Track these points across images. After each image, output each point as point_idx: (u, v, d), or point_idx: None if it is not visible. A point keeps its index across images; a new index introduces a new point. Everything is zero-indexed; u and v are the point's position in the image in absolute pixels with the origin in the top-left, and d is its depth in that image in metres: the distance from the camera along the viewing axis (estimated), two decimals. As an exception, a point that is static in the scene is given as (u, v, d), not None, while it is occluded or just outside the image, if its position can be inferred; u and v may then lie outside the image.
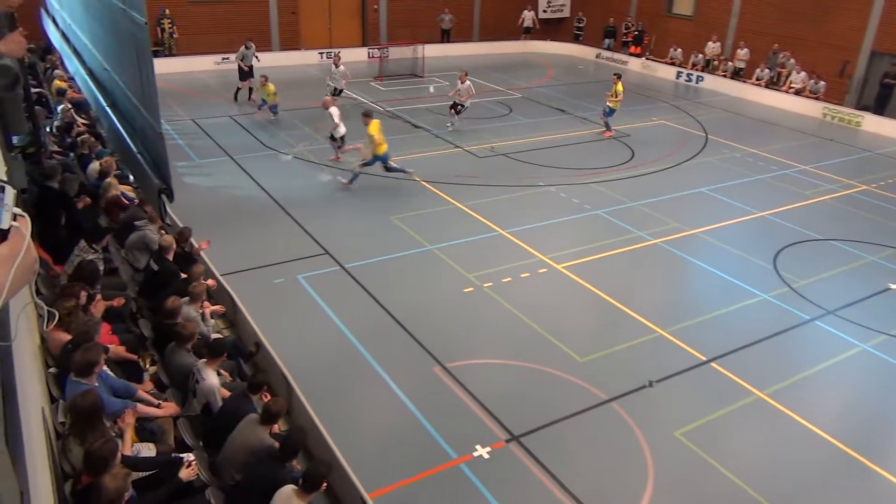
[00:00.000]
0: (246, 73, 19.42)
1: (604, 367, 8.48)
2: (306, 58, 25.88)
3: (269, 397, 6.40)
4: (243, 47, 19.34)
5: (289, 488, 5.07)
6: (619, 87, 17.62)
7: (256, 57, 19.63)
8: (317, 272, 10.33)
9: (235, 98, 19.79)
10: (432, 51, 25.88)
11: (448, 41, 27.91)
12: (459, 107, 17.67)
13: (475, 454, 6.93)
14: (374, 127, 13.19)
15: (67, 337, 6.04)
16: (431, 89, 16.79)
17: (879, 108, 21.07)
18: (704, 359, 8.73)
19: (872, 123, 20.55)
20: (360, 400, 7.78)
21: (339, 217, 12.39)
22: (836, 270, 11.35)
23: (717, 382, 8.31)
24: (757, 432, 7.59)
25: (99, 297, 6.90)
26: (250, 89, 19.56)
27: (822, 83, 22.15)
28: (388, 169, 13.70)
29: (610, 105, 17.85)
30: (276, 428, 5.89)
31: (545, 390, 8.04)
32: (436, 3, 28.31)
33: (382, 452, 6.99)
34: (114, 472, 4.38)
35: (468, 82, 17.44)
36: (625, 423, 7.52)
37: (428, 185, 13.95)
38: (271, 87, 17.37)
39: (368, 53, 26.28)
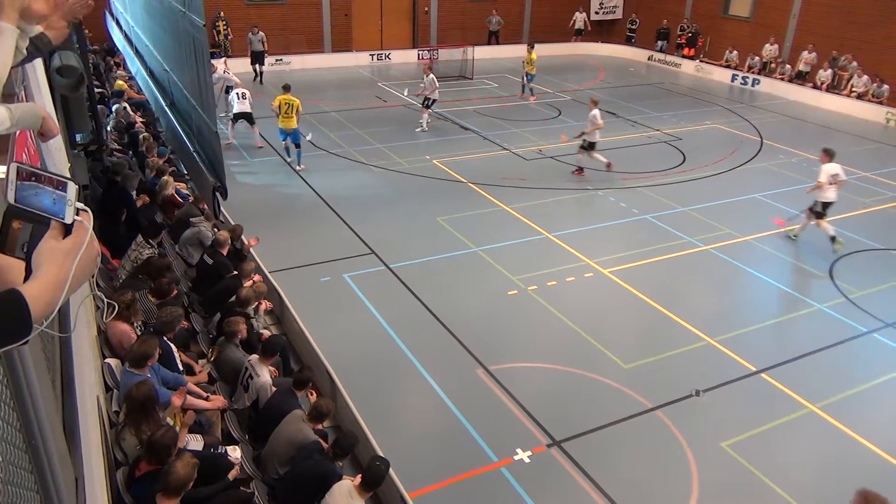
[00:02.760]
0: (255, 58, 21.88)
1: (649, 374, 8.35)
2: (358, 59, 26.20)
3: (314, 394, 6.53)
4: (250, 33, 21.86)
5: (348, 483, 5.14)
6: (533, 56, 20.47)
7: (263, 42, 22.07)
8: (362, 271, 10.46)
9: (259, 80, 21.67)
10: (482, 53, 25.89)
11: (497, 43, 27.84)
12: (428, 101, 17.46)
13: (516, 458, 6.91)
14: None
15: (128, 328, 6.29)
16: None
17: (948, 114, 20.13)
18: (755, 369, 8.50)
19: (940, 129, 19.66)
20: (402, 399, 7.84)
21: (385, 217, 12.50)
22: (897, 282, 10.90)
23: (768, 394, 8.08)
24: (808, 446, 7.36)
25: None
26: (260, 73, 21.86)
27: (886, 87, 21.29)
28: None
29: (528, 71, 20.58)
30: (319, 426, 5.99)
31: (588, 396, 7.96)
32: (486, 4, 28.29)
33: (423, 452, 7.03)
34: (184, 459, 4.53)
35: (432, 75, 17.33)
36: (669, 433, 7.38)
37: (475, 187, 13.96)
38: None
39: (419, 55, 26.45)
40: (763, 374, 8.42)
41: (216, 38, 23.89)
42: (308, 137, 15.93)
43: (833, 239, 11.64)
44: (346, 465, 5.93)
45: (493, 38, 28.03)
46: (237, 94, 15.72)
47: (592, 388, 8.09)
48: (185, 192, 11.13)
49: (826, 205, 11.83)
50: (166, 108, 10.79)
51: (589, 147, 14.69)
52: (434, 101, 17.66)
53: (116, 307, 6.17)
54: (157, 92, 12.54)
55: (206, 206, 9.31)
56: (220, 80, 17.02)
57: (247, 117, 15.67)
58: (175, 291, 7.21)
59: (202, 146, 8.35)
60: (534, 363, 8.54)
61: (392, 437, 7.02)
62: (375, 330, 9.02)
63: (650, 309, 9.82)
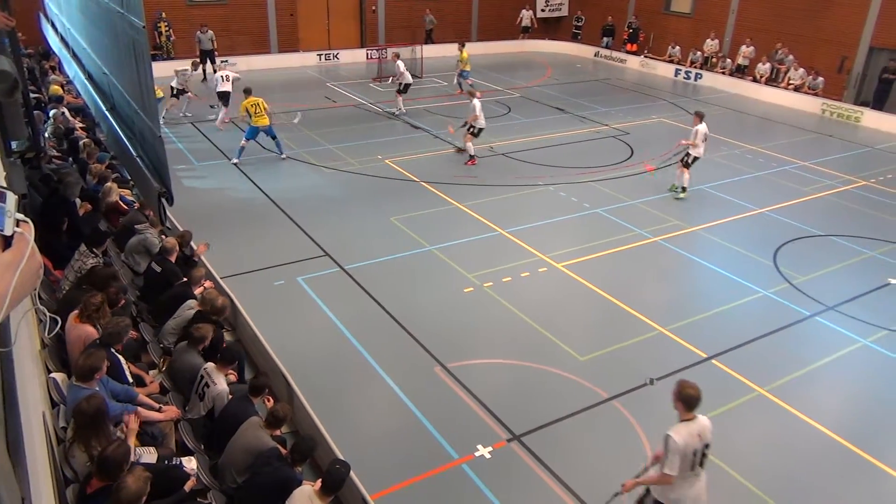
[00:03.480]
0: (204, 57, 21.93)
1: (605, 365, 8.49)
2: (305, 60, 25.90)
3: (271, 400, 6.43)
4: (199, 32, 21.96)
5: (308, 488, 5.07)
6: (464, 54, 20.94)
7: (213, 41, 22.26)
8: (316, 274, 10.35)
9: (204, 76, 21.72)
10: (431, 51, 25.90)
11: (432, 42, 27.53)
12: (401, 87, 18.96)
13: (477, 454, 6.94)
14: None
15: (93, 332, 6.11)
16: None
17: (878, 104, 21.04)
18: (705, 356, 8.73)
19: (872, 119, 20.55)
20: (361, 401, 7.79)
21: (338, 218, 12.40)
22: (836, 266, 11.35)
23: (719, 379, 8.31)
24: (759, 428, 7.59)
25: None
26: (204, 70, 21.73)
27: (821, 79, 22.14)
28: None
29: (463, 68, 21.12)
30: (277, 432, 5.90)
31: (546, 389, 8.05)
32: (431, 3, 28.32)
33: (384, 453, 7.00)
34: (136, 473, 4.39)
35: (399, 61, 19.08)
36: (626, 421, 7.53)
37: (427, 186, 13.96)
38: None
39: (367, 55, 26.31)
40: (714, 360, 8.65)
41: (158, 40, 23.30)
42: (296, 120, 16.39)
43: (683, 189, 13.87)
44: (307, 469, 5.86)
45: (429, 37, 27.82)
46: (222, 76, 17.56)
47: (550, 381, 8.18)
48: (130, 198, 10.82)
49: (695, 158, 13.82)
50: (107, 112, 10.47)
51: (477, 134, 15.51)
52: (408, 85, 19.11)
53: (85, 309, 6.10)
54: (96, 96, 12.16)
55: (151, 213, 9.06)
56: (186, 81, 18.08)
57: (226, 97, 17.28)
58: (123, 301, 7.00)
59: (145, 151, 8.13)
60: (491, 359, 8.59)
61: (352, 438, 6.97)
62: (332, 332, 8.94)
63: (603, 301, 9.98)
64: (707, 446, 5.34)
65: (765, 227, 12.80)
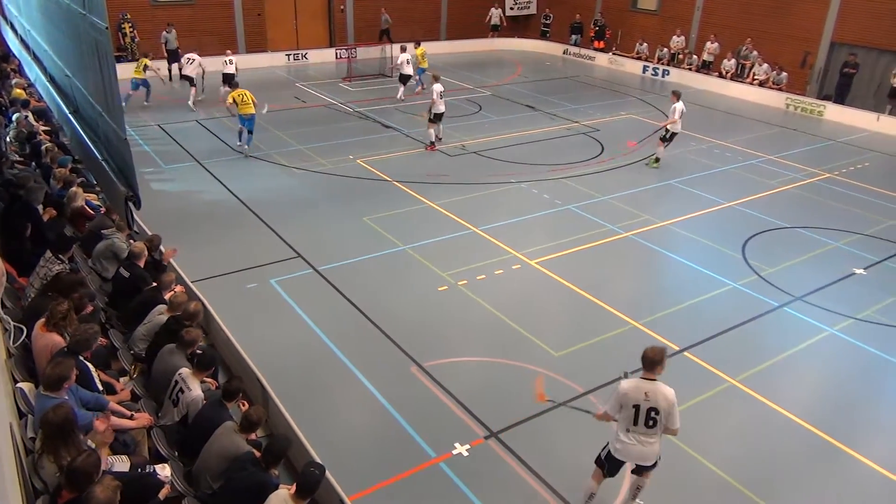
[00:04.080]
0: (171, 57, 21.67)
1: (579, 360, 8.56)
2: (274, 60, 25.66)
3: (245, 404, 6.35)
4: (165, 31, 21.82)
5: (284, 492, 5.02)
6: (420, 51, 21.36)
7: (175, 41, 21.90)
8: (290, 276, 10.26)
9: (170, 78, 21.71)
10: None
11: (389, 41, 26.77)
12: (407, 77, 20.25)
13: (454, 452, 6.95)
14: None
15: (60, 340, 5.97)
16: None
17: (840, 98, 21.54)
18: (678, 348, 8.85)
19: (834, 112, 21.01)
20: (337, 403, 7.75)
21: (310, 219, 12.31)
22: (803, 257, 11.58)
23: (691, 371, 8.43)
24: (730, 419, 7.72)
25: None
26: (170, 71, 21.64)
27: (785, 74, 22.58)
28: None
29: (421, 65, 21.55)
30: (253, 435, 5.84)
31: (522, 386, 8.07)
32: (400, 3, 28.26)
33: (361, 454, 6.97)
34: (104, 482, 4.31)
35: (403, 55, 20.28)
36: (602, 416, 7.58)
37: (400, 185, 13.93)
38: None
39: (336, 54, 26.14)
40: (686, 353, 8.77)
41: (122, 42, 22.88)
42: (264, 111, 16.39)
43: (657, 160, 15.59)
44: (284, 473, 5.82)
45: (385, 37, 27.39)
46: (187, 58, 19.15)
47: (526, 377, 8.22)
48: (97, 203, 10.62)
49: (674, 134, 15.37)
50: (70, 115, 10.28)
51: (436, 119, 16.09)
52: (409, 75, 20.44)
53: (52, 316, 5.98)
54: (59, 99, 11.92)
55: (118, 217, 8.90)
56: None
57: (189, 80, 19.02)
58: (90, 307, 6.86)
59: (111, 154, 7.99)
60: (467, 357, 8.61)
61: (328, 440, 6.93)
62: (306, 334, 8.87)
63: (577, 296, 10.06)
64: (654, 410, 5.57)
65: (733, 220, 13.02)
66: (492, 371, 8.37)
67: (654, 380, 5.66)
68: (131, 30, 23.15)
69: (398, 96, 20.80)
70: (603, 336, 9.09)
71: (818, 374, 8.74)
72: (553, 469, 6.79)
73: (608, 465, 5.99)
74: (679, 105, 15.03)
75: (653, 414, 5.60)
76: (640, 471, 6.07)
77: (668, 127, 15.24)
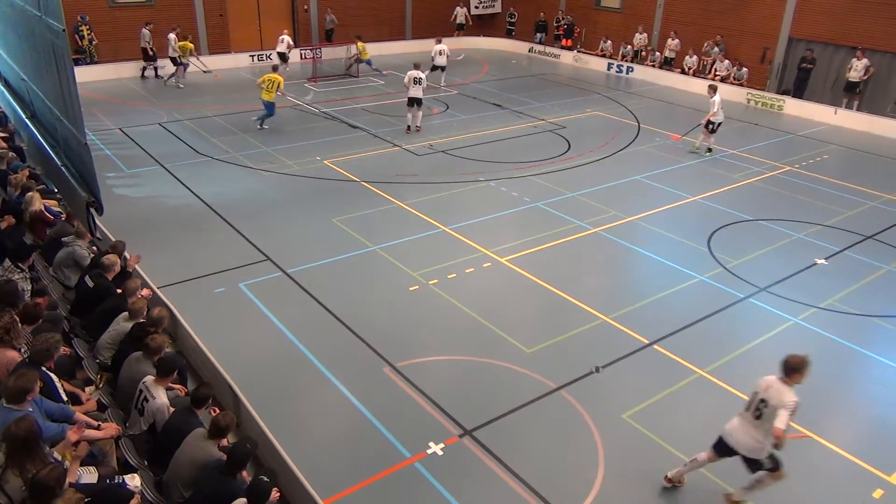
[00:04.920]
0: (149, 57, 22.38)
1: (551, 356, 8.62)
2: (237, 61, 25.33)
3: (216, 411, 6.26)
4: (144, 28, 22.08)
5: (240, 502, 4.97)
6: (361, 45, 23.10)
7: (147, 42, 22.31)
8: (259, 279, 10.15)
9: (143, 75, 22.68)
10: (368, 50, 25.70)
11: (333, 43, 26.54)
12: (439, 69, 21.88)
13: (429, 451, 6.94)
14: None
15: (14, 354, 5.80)
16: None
17: (799, 92, 22.02)
18: (647, 341, 8.96)
19: (793, 107, 21.48)
20: (310, 406, 7.69)
21: (278, 222, 12.18)
22: (766, 249, 11.82)
23: (660, 364, 8.55)
24: (700, 409, 7.84)
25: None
26: (156, 69, 22.53)
27: (745, 70, 23.03)
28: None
29: (363, 56, 23.39)
30: (224, 441, 5.76)
31: (495, 383, 8.11)
32: (365, 2, 28.13)
33: (336, 457, 6.92)
34: (66, 496, 4.21)
35: (441, 51, 22.29)
36: (574, 410, 7.66)
37: (368, 186, 13.87)
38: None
39: (301, 55, 25.91)
40: (655, 346, 8.89)
41: (80, 44, 22.37)
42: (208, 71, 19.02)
43: (709, 150, 16.78)
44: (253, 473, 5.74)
45: (329, 37, 26.99)
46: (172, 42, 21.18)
47: (498, 374, 8.25)
48: (57, 209, 10.37)
49: (719, 124, 16.54)
50: (27, 120, 10.03)
51: (409, 104, 17.35)
52: (443, 66, 22.44)
53: None
54: (14, 104, 11.63)
55: (79, 224, 8.70)
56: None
57: (174, 61, 21.38)
58: (42, 315, 6.67)
59: (71, 159, 7.82)
60: (440, 356, 8.61)
61: (302, 444, 6.88)
62: (277, 337, 8.79)
63: (547, 293, 10.13)
64: (764, 402, 5.92)
65: (698, 214, 13.23)
66: (464, 369, 8.39)
67: (788, 383, 5.91)
68: (89, 32, 22.64)
69: (440, 84, 22.74)
70: (574, 331, 9.17)
71: (783, 362, 8.91)
72: (528, 465, 6.82)
73: (717, 443, 6.29)
74: (717, 98, 16.16)
75: (761, 405, 5.91)
76: (747, 463, 6.16)
77: (712, 119, 16.28)
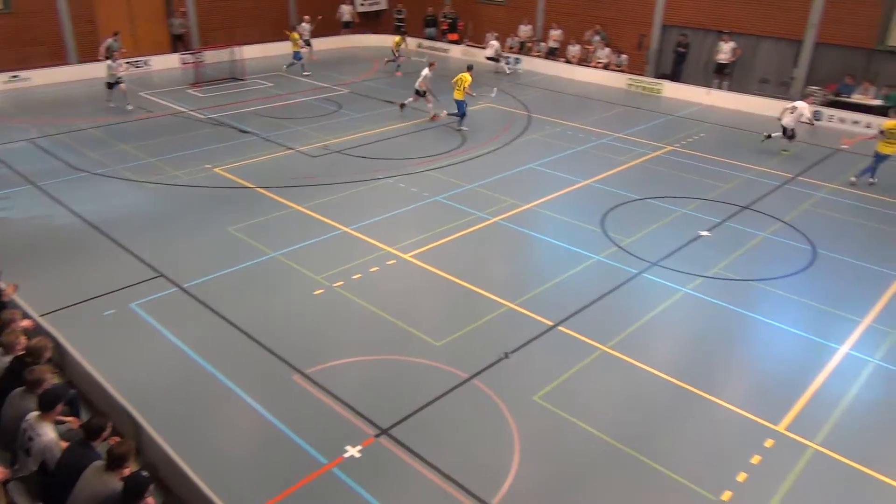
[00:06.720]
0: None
1: (461, 346, 8.71)
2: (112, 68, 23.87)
3: (116, 440, 5.90)
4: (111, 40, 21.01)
5: None
6: (295, 35, 23.93)
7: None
8: (152, 297, 9.65)
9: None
10: (252, 52, 25.00)
11: (183, 49, 25.34)
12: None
13: (346, 455, 6.86)
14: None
15: None
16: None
17: (675, 76, 23.31)
18: (551, 323, 9.23)
19: (670, 90, 22.71)
20: (218, 423, 7.40)
21: (169, 235, 11.63)
22: (655, 225, 12.45)
23: (566, 343, 8.83)
24: (606, 383, 8.17)
25: None
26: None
27: (625, 56, 24.12)
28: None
29: (296, 49, 23.80)
30: (126, 471, 5.44)
31: (407, 379, 8.11)
32: (248, 3, 27.29)
33: (249, 473, 6.71)
34: None
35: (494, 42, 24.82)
36: (487, 397, 7.78)
37: (264, 192, 13.48)
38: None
39: (181, 59, 24.80)
40: (560, 327, 9.17)
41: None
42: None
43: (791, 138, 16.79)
44: (160, 498, 5.49)
45: (179, 43, 25.67)
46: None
47: (410, 370, 8.26)
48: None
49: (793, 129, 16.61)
50: None
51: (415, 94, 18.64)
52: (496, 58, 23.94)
53: None
54: None
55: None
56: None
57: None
58: None
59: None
60: (350, 358, 8.50)
61: (213, 463, 6.62)
62: (177, 356, 8.39)
63: (453, 285, 10.22)
64: None
65: (591, 197, 13.75)
66: (375, 369, 8.33)
67: None
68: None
69: (507, 70, 25.04)
70: (481, 320, 9.30)
71: (677, 331, 9.44)
72: (447, 457, 6.87)
73: None
74: (803, 106, 16.26)
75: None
76: None
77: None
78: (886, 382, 8.34)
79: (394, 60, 24.86)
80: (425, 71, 18.47)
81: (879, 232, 12.56)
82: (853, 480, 6.81)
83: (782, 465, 6.96)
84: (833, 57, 20.47)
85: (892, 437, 7.49)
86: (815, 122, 17.03)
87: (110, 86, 19.14)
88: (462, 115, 17.87)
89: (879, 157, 14.53)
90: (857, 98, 19.51)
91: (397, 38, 25.15)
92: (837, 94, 19.95)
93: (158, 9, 25.77)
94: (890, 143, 14.24)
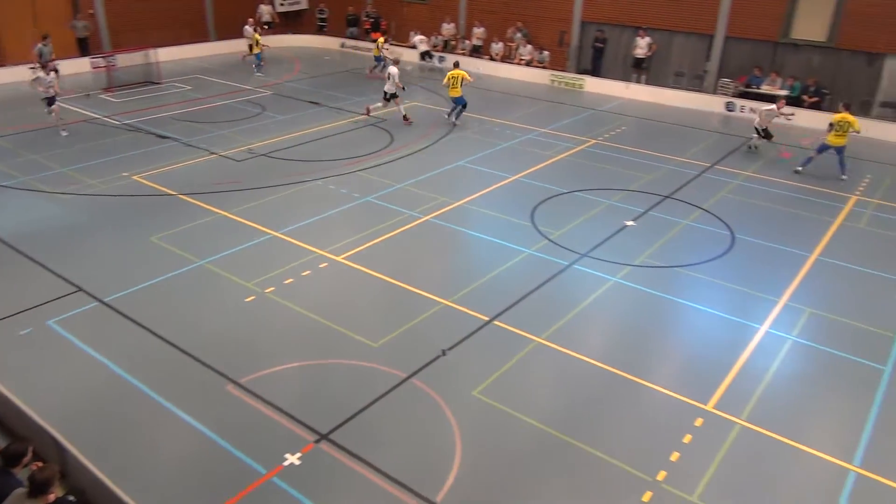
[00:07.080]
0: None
1: (398, 346, 8.68)
2: (15, 74, 22.57)
3: (39, 465, 5.59)
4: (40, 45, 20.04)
5: None
6: (257, 36, 24.02)
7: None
8: (71, 313, 9.18)
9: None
10: (168, 54, 24.17)
11: (86, 51, 24.29)
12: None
13: (286, 463, 6.72)
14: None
15: None
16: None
17: (595, 71, 23.91)
18: (487, 318, 9.31)
19: (592, 84, 23.29)
20: (149, 441, 7.11)
21: (88, 247, 11.10)
22: (583, 218, 12.75)
23: (501, 337, 8.93)
24: (542, 374, 8.31)
25: None
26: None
27: (546, 53, 24.57)
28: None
29: (257, 51, 23.92)
30: (51, 497, 5.17)
31: (345, 382, 8.02)
32: (161, 3, 26.33)
33: (187, 489, 6.49)
34: None
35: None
36: (426, 395, 7.78)
37: (187, 198, 13.04)
38: None
39: (91, 63, 23.69)
40: (495, 322, 9.27)
41: None
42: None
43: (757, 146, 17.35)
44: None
45: (82, 46, 24.55)
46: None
47: (347, 373, 8.17)
48: None
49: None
50: None
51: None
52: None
53: None
54: None
55: None
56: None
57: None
58: None
59: None
60: (285, 364, 8.33)
61: (146, 483, 6.37)
62: (101, 373, 8.02)
63: (387, 285, 10.17)
64: None
65: (520, 192, 13.94)
66: (312, 374, 8.20)
67: None
68: None
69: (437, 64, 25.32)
70: (417, 319, 9.29)
71: (608, 319, 9.70)
72: (388, 458, 6.83)
73: None
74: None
75: None
76: None
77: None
78: (803, 357, 8.81)
79: (377, 66, 24.38)
80: (392, 69, 18.06)
81: (795, 217, 13.25)
82: (778, 451, 7.17)
83: (712, 442, 7.25)
84: (742, 50, 21.48)
85: (810, 409, 7.94)
86: (790, 116, 17.26)
87: (50, 101, 16.50)
88: (464, 105, 18.30)
89: (824, 147, 15.25)
90: (766, 88, 20.53)
91: (380, 39, 24.67)
92: (748, 86, 20.96)
93: (64, 9, 24.53)
94: (839, 135, 15.02)
